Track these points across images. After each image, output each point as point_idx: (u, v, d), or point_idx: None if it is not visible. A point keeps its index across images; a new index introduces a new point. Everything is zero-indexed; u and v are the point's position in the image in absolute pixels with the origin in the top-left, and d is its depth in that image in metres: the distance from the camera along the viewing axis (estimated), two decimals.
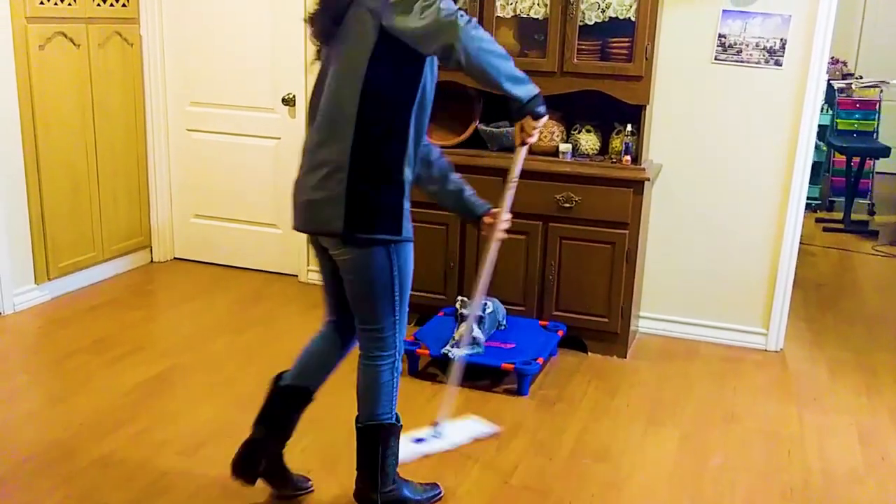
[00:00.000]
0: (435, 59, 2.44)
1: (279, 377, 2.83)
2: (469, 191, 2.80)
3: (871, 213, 7.37)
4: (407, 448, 2.92)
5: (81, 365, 3.83)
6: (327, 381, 3.75)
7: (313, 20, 2.47)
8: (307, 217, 2.50)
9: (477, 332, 3.70)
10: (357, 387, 2.66)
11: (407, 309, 2.62)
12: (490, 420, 3.43)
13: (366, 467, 2.67)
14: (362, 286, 2.53)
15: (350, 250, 2.47)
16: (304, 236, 5.06)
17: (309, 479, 2.91)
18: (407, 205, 2.50)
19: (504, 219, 2.76)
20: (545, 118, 2.50)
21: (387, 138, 2.41)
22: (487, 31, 3.94)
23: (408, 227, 2.52)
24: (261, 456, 2.77)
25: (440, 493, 2.87)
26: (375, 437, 2.64)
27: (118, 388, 3.60)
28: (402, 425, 2.70)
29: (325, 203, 2.42)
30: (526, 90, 2.42)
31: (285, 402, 2.80)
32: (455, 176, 2.78)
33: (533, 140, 2.56)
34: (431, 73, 2.47)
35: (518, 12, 3.99)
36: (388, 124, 2.40)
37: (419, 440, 3.03)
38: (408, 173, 2.48)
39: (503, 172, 4.01)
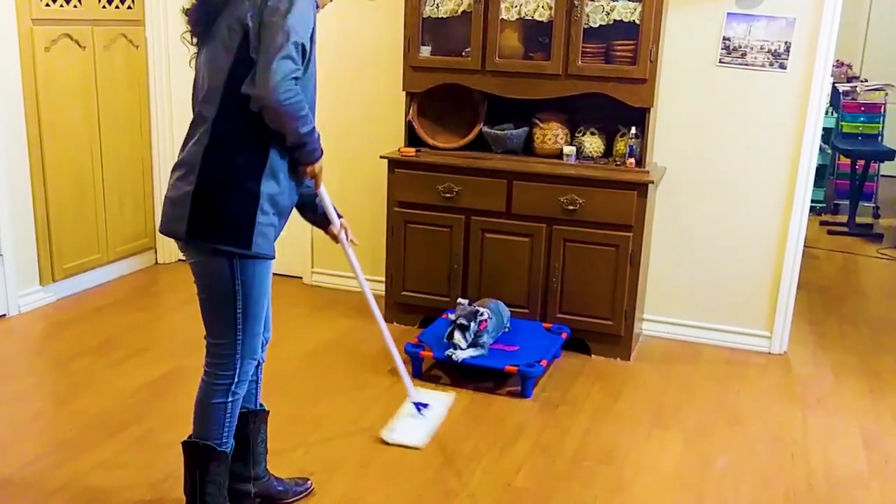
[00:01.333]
0: (314, 70, 2.41)
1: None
2: (322, 199, 2.86)
3: (876, 216, 7.36)
4: (418, 429, 3.19)
5: (86, 366, 3.84)
6: (327, 385, 3.77)
7: (189, 14, 2.40)
8: (163, 217, 2.41)
9: (458, 339, 3.69)
10: (194, 403, 2.53)
11: (254, 332, 2.47)
12: (494, 423, 3.44)
13: (187, 490, 2.53)
14: (203, 293, 2.45)
15: (193, 254, 2.39)
16: (308, 238, 5.10)
17: (308, 480, 2.91)
18: (263, 219, 2.36)
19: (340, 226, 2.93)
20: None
21: (241, 145, 2.31)
22: (492, 33, 3.99)
23: (261, 243, 2.36)
24: (245, 486, 2.72)
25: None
26: (196, 458, 2.49)
27: (123, 390, 3.61)
28: (229, 455, 2.52)
29: (175, 204, 2.35)
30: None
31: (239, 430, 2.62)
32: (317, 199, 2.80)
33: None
34: (306, 93, 2.35)
35: (523, 15, 4.00)
36: (243, 131, 2.29)
37: (419, 408, 3.27)
38: (267, 186, 2.34)
39: (507, 174, 4.05)
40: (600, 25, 3.90)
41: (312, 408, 3.52)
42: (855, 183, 7.00)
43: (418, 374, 3.81)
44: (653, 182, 3.92)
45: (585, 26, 3.89)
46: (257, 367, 2.68)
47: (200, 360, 3.90)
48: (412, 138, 4.30)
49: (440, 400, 3.43)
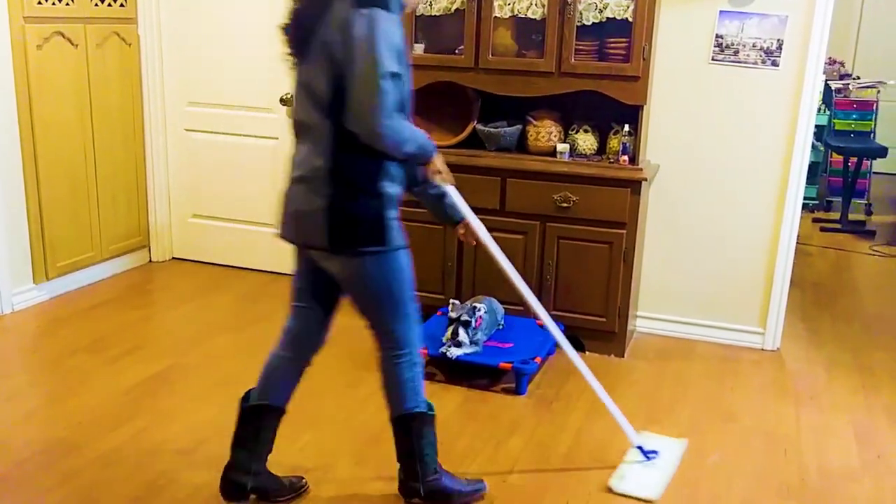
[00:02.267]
0: (408, 75, 2.51)
1: (247, 396, 2.83)
2: (448, 199, 2.82)
3: (868, 212, 7.39)
4: (651, 478, 3.00)
5: (80, 364, 3.84)
6: (324, 382, 3.78)
7: (286, 32, 2.57)
8: (294, 229, 2.56)
9: (463, 336, 3.70)
10: (382, 385, 2.72)
11: (415, 306, 2.65)
12: (488, 419, 3.44)
13: (405, 459, 2.74)
14: (358, 294, 2.60)
15: (335, 262, 2.53)
16: None
17: (303, 478, 2.91)
18: (390, 214, 2.50)
19: (475, 226, 2.91)
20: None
21: (360, 156, 2.43)
22: (485, 31, 3.99)
23: (395, 237, 2.52)
24: (244, 477, 2.77)
25: (485, 487, 2.89)
26: (409, 428, 2.70)
27: (117, 388, 3.61)
28: (434, 413, 2.74)
29: (307, 216, 2.49)
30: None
31: (253, 422, 2.78)
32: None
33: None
34: (405, 87, 2.50)
35: (516, 13, 4.00)
36: (360, 144, 2.40)
37: (648, 455, 3.11)
38: (388, 184, 2.50)
39: (501, 172, 4.05)
40: (593, 23, 3.91)
41: (307, 405, 3.51)
42: (847, 180, 7.02)
43: None
44: (646, 179, 3.93)
45: (578, 24, 3.90)
46: (304, 367, 2.84)
47: (194, 358, 3.92)
48: None
49: (671, 446, 3.23)
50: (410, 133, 2.45)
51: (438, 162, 2.66)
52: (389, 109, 2.35)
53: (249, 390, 2.82)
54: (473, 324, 3.72)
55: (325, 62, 2.40)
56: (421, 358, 2.73)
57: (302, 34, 2.48)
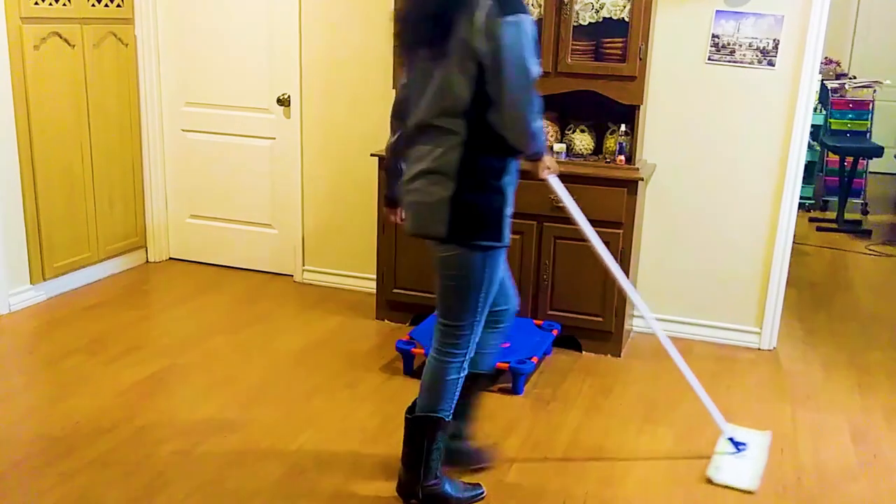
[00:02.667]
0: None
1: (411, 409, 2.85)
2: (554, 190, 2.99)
3: (865, 212, 7.41)
4: (746, 470, 3.08)
5: (78, 364, 3.84)
6: (321, 384, 3.78)
7: (410, 25, 2.61)
8: (417, 220, 2.66)
9: None
10: (423, 379, 2.77)
11: (481, 316, 2.70)
12: (485, 419, 3.44)
13: (411, 460, 2.77)
14: (451, 282, 2.66)
15: (450, 249, 2.61)
16: (299, 236, 5.10)
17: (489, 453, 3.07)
18: (508, 211, 2.62)
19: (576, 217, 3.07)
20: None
21: (488, 153, 2.55)
22: None
23: (507, 234, 2.63)
24: (463, 443, 2.99)
25: (482, 493, 2.90)
26: (423, 430, 2.74)
27: (115, 388, 3.61)
28: (449, 420, 2.76)
29: (429, 207, 2.58)
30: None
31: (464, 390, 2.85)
32: None
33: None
34: None
35: None
36: (489, 143, 2.53)
37: (738, 447, 3.20)
38: (508, 181, 2.61)
39: None
40: (590, 23, 3.91)
41: (304, 405, 3.52)
42: (844, 179, 7.04)
43: (409, 372, 3.82)
44: (642, 179, 3.93)
45: (575, 24, 3.90)
46: (499, 334, 2.92)
47: (191, 358, 3.92)
48: None
49: (758, 439, 3.30)
50: (542, 133, 2.58)
51: (548, 158, 2.78)
52: (537, 112, 2.49)
53: (415, 401, 2.86)
54: None
55: (466, 65, 2.46)
56: (467, 368, 2.76)
57: (432, 37, 2.51)
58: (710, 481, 3.03)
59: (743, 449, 3.20)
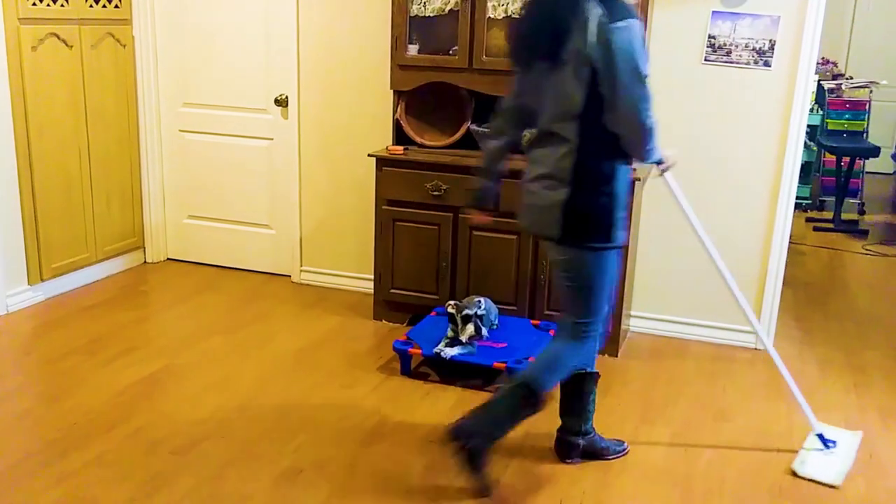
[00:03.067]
0: None
1: None
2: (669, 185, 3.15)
3: (861, 212, 7.42)
4: (832, 466, 3.14)
5: (75, 365, 3.84)
6: (319, 384, 3.79)
7: (525, 37, 2.78)
8: (531, 220, 2.84)
9: (472, 331, 3.72)
10: (539, 356, 2.98)
11: (607, 298, 2.89)
12: None
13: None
14: (572, 283, 2.84)
15: (564, 251, 2.79)
16: (297, 236, 5.10)
17: (624, 442, 3.23)
18: (620, 214, 2.74)
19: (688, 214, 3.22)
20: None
21: (602, 157, 2.69)
22: (479, 32, 4.01)
23: (619, 236, 2.76)
24: (575, 439, 3.12)
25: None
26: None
27: (112, 388, 3.62)
28: (542, 408, 2.89)
29: (544, 210, 2.74)
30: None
31: (576, 388, 3.07)
32: None
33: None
34: None
35: (510, 13, 4.01)
36: (603, 147, 2.67)
37: (826, 444, 3.25)
38: (620, 185, 2.74)
39: None
40: None
41: (301, 405, 3.53)
42: (840, 180, 7.05)
43: (407, 372, 3.82)
44: (639, 179, 3.94)
45: None
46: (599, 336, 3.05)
47: (189, 359, 3.93)
48: (400, 136, 4.31)
49: (848, 439, 3.34)
50: (656, 130, 2.69)
51: (666, 154, 2.92)
52: (651, 111, 2.62)
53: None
54: (489, 316, 3.80)
55: (580, 72, 2.59)
56: (599, 332, 2.95)
57: (547, 49, 2.65)
58: (794, 474, 3.10)
59: (832, 446, 3.24)
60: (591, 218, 2.72)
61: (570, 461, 3.12)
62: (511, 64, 2.87)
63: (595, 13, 2.55)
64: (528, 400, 2.84)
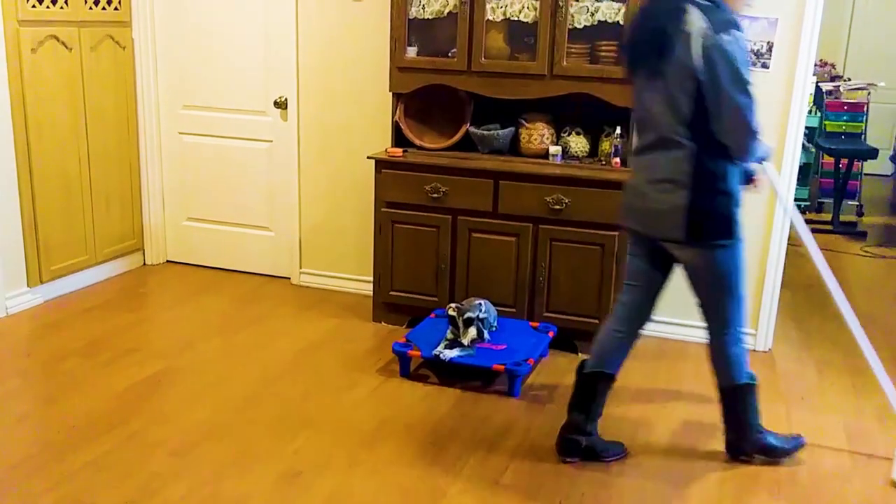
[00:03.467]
0: None
1: (582, 365, 3.18)
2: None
3: (860, 214, 7.42)
4: None
5: (74, 367, 3.84)
6: (315, 384, 3.79)
7: (631, 49, 2.94)
8: (650, 224, 2.95)
9: (474, 334, 3.72)
10: (713, 360, 3.11)
11: (743, 293, 2.99)
12: (481, 421, 3.45)
13: (731, 423, 3.15)
14: (703, 280, 2.97)
15: (693, 252, 2.91)
16: (296, 239, 5.10)
17: (623, 445, 3.23)
18: (737, 210, 2.86)
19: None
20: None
21: (716, 160, 2.79)
22: (478, 34, 4.01)
23: (739, 231, 2.89)
24: (579, 437, 3.15)
25: (804, 442, 3.25)
26: (734, 396, 3.09)
27: (111, 390, 3.62)
28: (755, 383, 3.09)
29: (665, 214, 2.86)
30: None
31: (590, 387, 3.14)
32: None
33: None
34: None
35: (508, 16, 4.02)
36: (717, 150, 2.77)
37: None
38: (735, 184, 2.85)
39: (494, 174, 4.07)
40: (585, 26, 3.93)
41: (301, 407, 3.53)
42: (839, 181, 7.05)
43: (406, 374, 3.83)
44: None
45: (570, 27, 3.92)
46: (634, 341, 3.18)
47: (188, 361, 3.94)
48: (399, 139, 4.32)
49: None
50: (762, 137, 2.78)
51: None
52: (756, 119, 2.69)
53: (584, 360, 3.18)
54: (489, 319, 3.80)
55: (685, 84, 2.70)
56: (744, 335, 3.06)
57: (651, 59, 2.78)
58: (893, 485, 3.09)
59: None
60: (713, 217, 2.83)
61: (569, 460, 3.15)
62: (624, 74, 3.03)
63: (699, 27, 2.65)
64: (744, 392, 3.08)
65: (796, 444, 3.22)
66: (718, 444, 3.33)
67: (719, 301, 2.99)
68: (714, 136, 2.74)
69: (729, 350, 3.04)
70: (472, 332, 3.71)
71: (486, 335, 3.77)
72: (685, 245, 2.89)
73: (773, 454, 3.16)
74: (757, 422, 3.14)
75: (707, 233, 2.86)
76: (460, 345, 3.74)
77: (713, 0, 2.72)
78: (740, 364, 3.06)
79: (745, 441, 3.14)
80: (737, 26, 2.68)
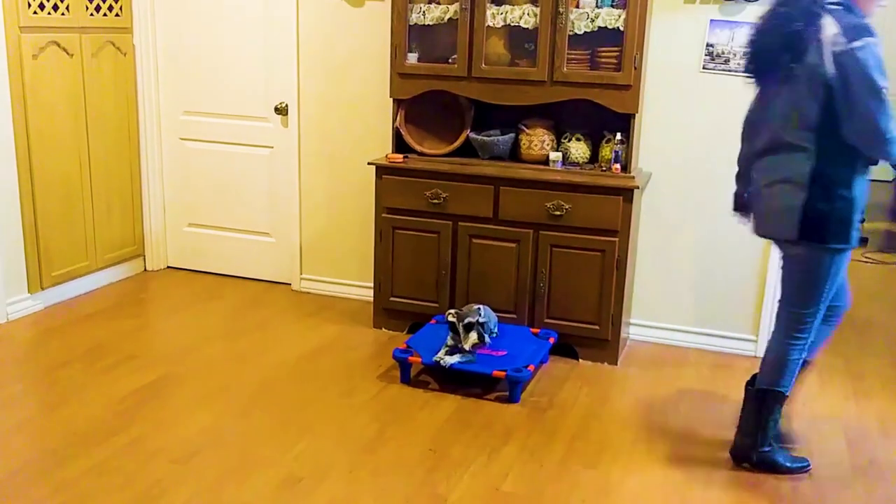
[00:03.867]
0: None
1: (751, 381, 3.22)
2: None
3: (861, 220, 7.39)
4: None
5: (75, 374, 3.84)
6: (316, 391, 3.79)
7: (759, 53, 2.97)
8: (767, 224, 3.03)
9: (475, 339, 3.71)
10: (766, 357, 3.13)
11: (823, 306, 3.02)
12: (482, 427, 3.45)
13: (749, 428, 3.14)
14: (801, 276, 2.98)
15: (801, 248, 2.94)
16: (297, 244, 5.10)
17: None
18: (855, 217, 2.89)
19: None
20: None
21: (838, 165, 2.83)
22: (478, 40, 4.02)
23: (854, 237, 2.91)
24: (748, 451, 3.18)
25: (808, 466, 3.19)
26: (765, 401, 3.09)
27: (112, 397, 3.62)
28: (788, 395, 3.10)
29: (783, 213, 2.91)
30: None
31: (755, 404, 3.15)
32: None
33: None
34: None
35: (508, 22, 4.02)
36: (840, 155, 2.82)
37: None
38: (857, 190, 2.87)
39: (494, 180, 4.07)
40: (585, 32, 3.93)
41: (301, 413, 3.53)
42: None
43: (407, 380, 3.82)
44: (638, 187, 3.95)
45: (570, 33, 3.92)
46: (830, 327, 3.22)
47: (189, 367, 3.94)
48: (399, 144, 4.32)
49: None
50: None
51: None
52: (891, 121, 2.71)
53: (754, 375, 3.20)
54: (489, 324, 3.80)
55: (814, 88, 2.76)
56: (807, 350, 3.08)
57: (780, 64, 2.83)
58: None
59: None
60: (829, 220, 2.85)
61: (743, 466, 3.19)
62: (747, 76, 3.05)
63: (830, 32, 2.70)
64: (772, 400, 3.08)
65: (801, 466, 3.18)
66: (719, 451, 3.33)
67: (801, 302, 3.00)
68: (838, 142, 2.78)
69: (789, 355, 3.06)
70: (473, 336, 3.71)
71: (487, 339, 3.76)
72: (796, 244, 2.94)
73: (776, 471, 3.15)
74: (772, 436, 3.14)
75: (821, 234, 2.88)
76: (461, 351, 3.74)
77: (845, 3, 2.76)
78: (790, 374, 3.08)
79: (755, 451, 3.13)
80: (869, 32, 2.71)
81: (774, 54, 2.86)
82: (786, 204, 2.90)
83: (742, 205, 3.29)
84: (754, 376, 3.19)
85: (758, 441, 3.12)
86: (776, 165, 2.94)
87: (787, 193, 2.90)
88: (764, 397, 3.10)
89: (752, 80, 3.05)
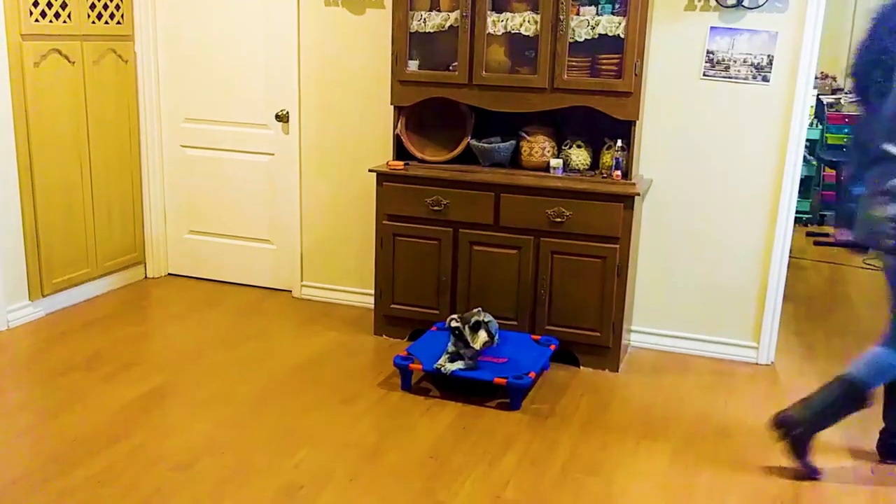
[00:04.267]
0: None
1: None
2: None
3: None
4: None
5: (76, 381, 3.84)
6: (316, 398, 3.79)
7: (861, 68, 3.09)
8: (867, 233, 3.07)
9: (485, 337, 3.71)
10: (866, 355, 3.15)
11: None
12: (483, 435, 3.45)
13: (817, 406, 3.12)
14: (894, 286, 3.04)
15: (893, 259, 3.01)
16: (297, 251, 5.11)
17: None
18: None
19: None
20: None
21: None
22: (479, 47, 4.02)
23: None
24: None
25: (819, 475, 3.19)
26: (843, 392, 3.09)
27: (112, 404, 3.61)
28: (868, 406, 3.10)
29: (879, 224, 2.97)
30: None
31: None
32: None
33: None
34: None
35: (509, 29, 4.03)
36: None
37: None
38: None
39: (495, 187, 4.08)
40: (586, 39, 3.94)
41: (301, 421, 3.53)
42: (840, 194, 7.05)
43: (407, 387, 3.82)
44: (639, 194, 3.95)
45: (571, 40, 3.93)
46: None
47: (190, 374, 3.94)
48: (400, 152, 4.32)
49: None
50: None
51: None
52: None
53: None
54: (492, 327, 3.79)
55: None
56: None
57: (878, 79, 2.95)
58: None
59: None
60: None
61: (890, 461, 3.26)
62: (853, 95, 3.17)
63: None
64: (853, 398, 3.07)
65: (811, 472, 3.18)
66: (721, 454, 3.32)
67: None
68: None
69: (888, 357, 3.10)
70: (483, 335, 3.70)
71: (496, 337, 3.75)
72: (893, 254, 2.99)
73: (797, 455, 3.16)
74: (824, 426, 3.13)
75: None
76: (462, 358, 3.74)
77: None
78: (881, 374, 3.11)
79: (803, 426, 3.12)
80: None
81: (876, 71, 2.97)
82: (881, 215, 2.97)
83: (845, 217, 3.36)
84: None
85: (813, 421, 3.12)
86: (877, 177, 3.00)
87: (882, 206, 2.97)
88: (846, 389, 3.10)
89: (857, 98, 3.16)
